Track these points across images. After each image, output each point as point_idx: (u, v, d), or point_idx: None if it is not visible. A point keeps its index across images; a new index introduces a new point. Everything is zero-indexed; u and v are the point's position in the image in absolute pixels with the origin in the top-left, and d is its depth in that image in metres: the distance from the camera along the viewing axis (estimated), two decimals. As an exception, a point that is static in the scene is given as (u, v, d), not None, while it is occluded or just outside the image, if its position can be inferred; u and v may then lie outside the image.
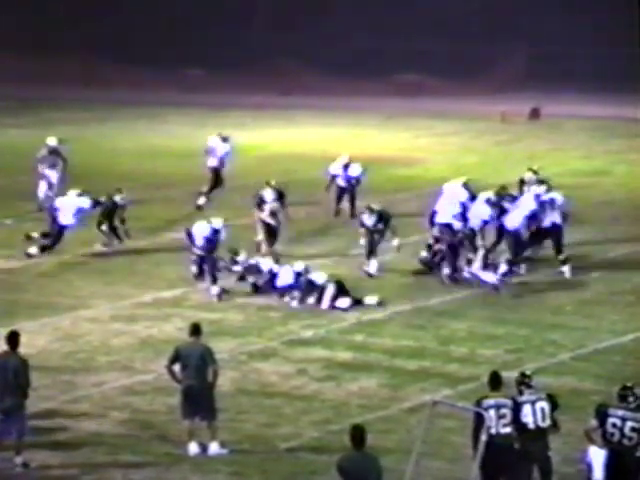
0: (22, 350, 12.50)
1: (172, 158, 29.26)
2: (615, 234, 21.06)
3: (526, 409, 11.04)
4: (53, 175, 23.21)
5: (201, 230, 18.26)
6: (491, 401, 11.14)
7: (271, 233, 19.75)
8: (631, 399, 10.85)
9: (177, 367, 12.74)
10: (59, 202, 20.30)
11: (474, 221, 18.52)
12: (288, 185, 21.56)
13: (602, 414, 10.88)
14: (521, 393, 11.14)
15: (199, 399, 12.58)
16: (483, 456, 10.83)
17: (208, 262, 18.08)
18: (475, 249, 18.53)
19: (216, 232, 18.13)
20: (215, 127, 34.56)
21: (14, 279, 18.93)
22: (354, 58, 41.78)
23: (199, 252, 18.17)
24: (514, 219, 18.58)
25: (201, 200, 23.00)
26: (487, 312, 17.35)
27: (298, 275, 17.66)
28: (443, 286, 18.47)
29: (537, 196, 18.74)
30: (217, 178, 23.49)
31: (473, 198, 18.85)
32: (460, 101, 38.32)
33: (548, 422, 11.06)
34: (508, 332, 16.47)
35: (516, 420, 11.07)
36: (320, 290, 17.50)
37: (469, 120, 35.52)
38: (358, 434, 9.76)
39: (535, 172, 19.89)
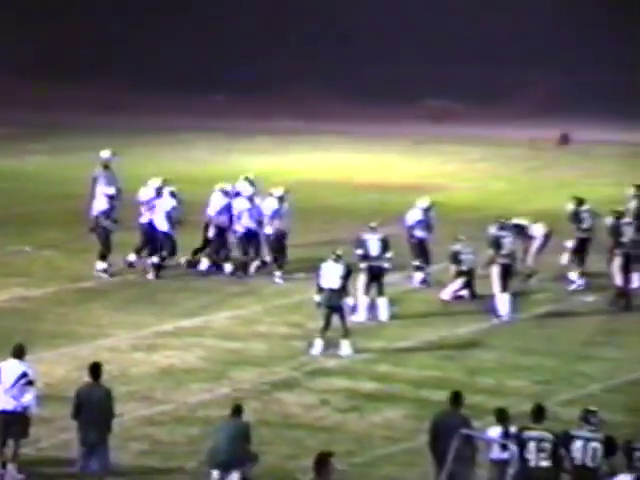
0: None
1: (194, 184, 29.35)
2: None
3: (577, 444, 10.98)
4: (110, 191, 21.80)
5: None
6: (533, 433, 11.10)
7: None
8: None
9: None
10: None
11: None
12: (312, 211, 21.53)
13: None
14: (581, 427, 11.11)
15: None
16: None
17: None
18: None
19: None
20: (239, 152, 34.83)
21: (33, 307, 18.97)
22: (381, 84, 41.90)
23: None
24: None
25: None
26: (515, 342, 17.24)
27: None
28: (469, 315, 18.41)
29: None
30: None
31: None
32: (488, 127, 38.31)
33: (597, 463, 10.95)
34: (536, 363, 16.37)
35: (555, 453, 11.03)
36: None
37: (497, 146, 35.47)
38: (318, 461, 10.07)
39: (251, 182, 21.03)
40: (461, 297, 19.26)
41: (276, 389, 15.40)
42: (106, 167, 22.70)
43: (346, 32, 45.88)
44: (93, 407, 12.13)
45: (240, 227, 20.45)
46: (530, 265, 20.10)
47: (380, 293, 18.09)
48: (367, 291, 18.06)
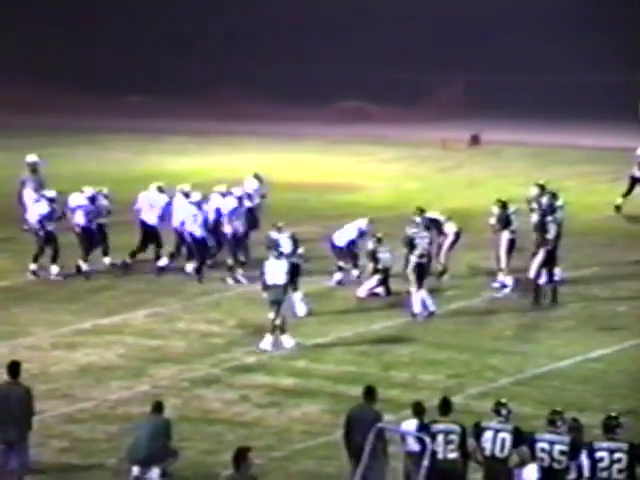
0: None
1: (111, 184, 29.16)
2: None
3: (487, 435, 11.17)
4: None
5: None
6: (440, 426, 11.30)
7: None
8: (559, 423, 11.08)
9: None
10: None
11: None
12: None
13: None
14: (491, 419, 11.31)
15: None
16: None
17: None
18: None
19: None
20: (156, 153, 34.67)
21: (-49, 306, 18.74)
22: (298, 85, 41.99)
23: None
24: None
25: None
26: (428, 337, 17.49)
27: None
28: (385, 312, 18.63)
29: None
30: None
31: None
32: (402, 128, 38.66)
33: (506, 453, 11.15)
34: (449, 357, 16.64)
35: (462, 445, 11.24)
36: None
37: (411, 146, 35.85)
38: (237, 456, 10.13)
39: (257, 177, 22.52)
40: (377, 294, 19.48)
41: (196, 386, 15.44)
42: (34, 171, 22.67)
43: (263, 33, 45.91)
44: (12, 405, 12.08)
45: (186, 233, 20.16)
46: (442, 262, 20.38)
47: (295, 289, 18.22)
48: None
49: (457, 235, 20.32)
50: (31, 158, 23.11)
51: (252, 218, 21.62)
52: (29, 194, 22.17)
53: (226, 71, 43.90)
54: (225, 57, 45.70)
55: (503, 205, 19.91)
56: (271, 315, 17.05)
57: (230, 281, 20.01)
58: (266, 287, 16.87)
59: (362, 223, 20.08)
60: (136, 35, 45.75)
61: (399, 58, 44.08)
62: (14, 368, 12.31)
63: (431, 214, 20.01)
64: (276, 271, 16.79)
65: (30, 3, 46.22)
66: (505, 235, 19.65)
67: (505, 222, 19.68)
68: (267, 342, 16.77)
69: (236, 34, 46.20)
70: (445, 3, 44.66)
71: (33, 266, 20.25)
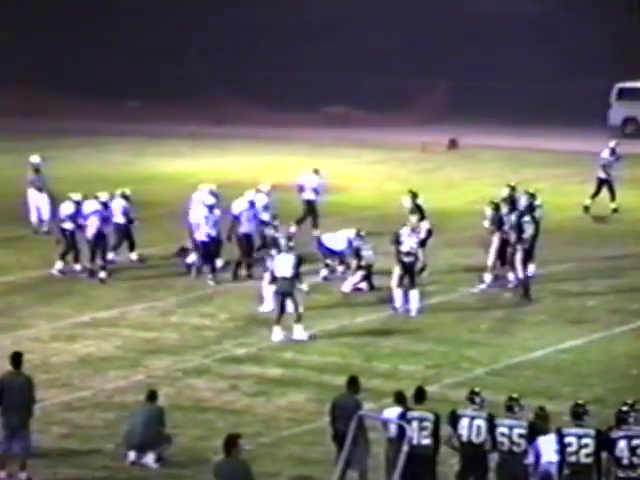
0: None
1: (111, 185, 29.11)
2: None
3: (463, 422, 11.20)
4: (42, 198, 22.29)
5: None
6: (415, 413, 11.37)
7: None
8: (517, 409, 11.13)
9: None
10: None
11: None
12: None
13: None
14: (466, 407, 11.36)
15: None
16: (404, 466, 11.04)
17: None
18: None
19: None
20: (153, 155, 34.64)
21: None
22: (283, 91, 41.99)
23: None
24: None
25: (292, 228, 21.45)
26: (409, 330, 17.54)
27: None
28: (368, 306, 18.66)
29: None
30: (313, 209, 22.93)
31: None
32: (385, 132, 38.72)
33: (481, 439, 11.21)
34: (428, 349, 16.69)
35: (435, 432, 11.31)
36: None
37: (393, 150, 35.91)
38: (227, 442, 10.19)
39: (316, 172, 23.52)
40: (360, 289, 19.51)
41: (188, 375, 15.46)
42: (37, 171, 22.81)
43: (252, 40, 45.82)
44: (15, 394, 12.14)
45: (201, 235, 19.80)
46: (421, 259, 20.32)
47: (300, 282, 18.15)
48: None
49: (429, 232, 20.26)
50: (34, 159, 23.15)
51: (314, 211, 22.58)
52: (33, 194, 22.31)
53: (217, 77, 43.84)
54: (216, 63, 45.62)
55: (496, 207, 19.80)
56: (266, 308, 17.14)
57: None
58: (275, 280, 16.98)
59: (351, 234, 19.96)
60: (135, 42, 45.65)
61: (383, 64, 44.10)
62: (17, 359, 12.38)
63: (421, 202, 20.05)
64: (284, 265, 16.91)
65: (31, 8, 46.06)
66: (497, 236, 19.57)
67: (499, 223, 19.60)
68: (298, 331, 16.79)
69: (225, 40, 46.12)
70: (429, 10, 44.68)
71: (78, 266, 20.03)
